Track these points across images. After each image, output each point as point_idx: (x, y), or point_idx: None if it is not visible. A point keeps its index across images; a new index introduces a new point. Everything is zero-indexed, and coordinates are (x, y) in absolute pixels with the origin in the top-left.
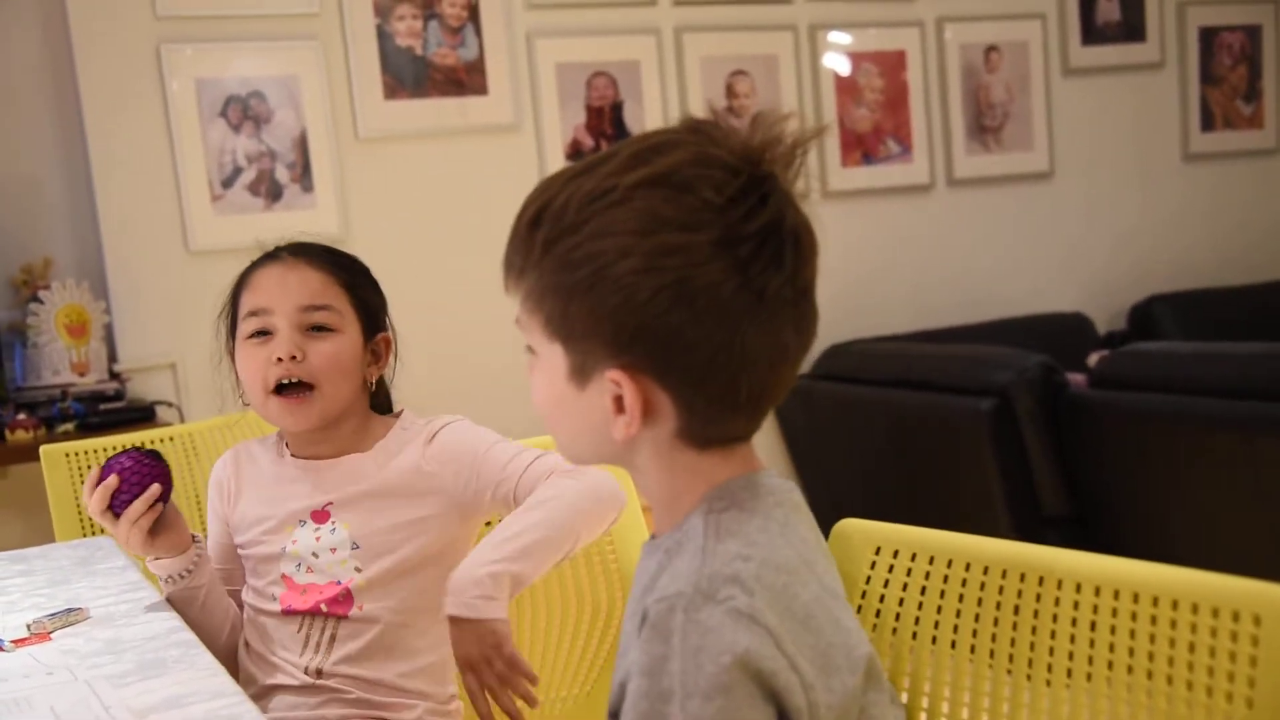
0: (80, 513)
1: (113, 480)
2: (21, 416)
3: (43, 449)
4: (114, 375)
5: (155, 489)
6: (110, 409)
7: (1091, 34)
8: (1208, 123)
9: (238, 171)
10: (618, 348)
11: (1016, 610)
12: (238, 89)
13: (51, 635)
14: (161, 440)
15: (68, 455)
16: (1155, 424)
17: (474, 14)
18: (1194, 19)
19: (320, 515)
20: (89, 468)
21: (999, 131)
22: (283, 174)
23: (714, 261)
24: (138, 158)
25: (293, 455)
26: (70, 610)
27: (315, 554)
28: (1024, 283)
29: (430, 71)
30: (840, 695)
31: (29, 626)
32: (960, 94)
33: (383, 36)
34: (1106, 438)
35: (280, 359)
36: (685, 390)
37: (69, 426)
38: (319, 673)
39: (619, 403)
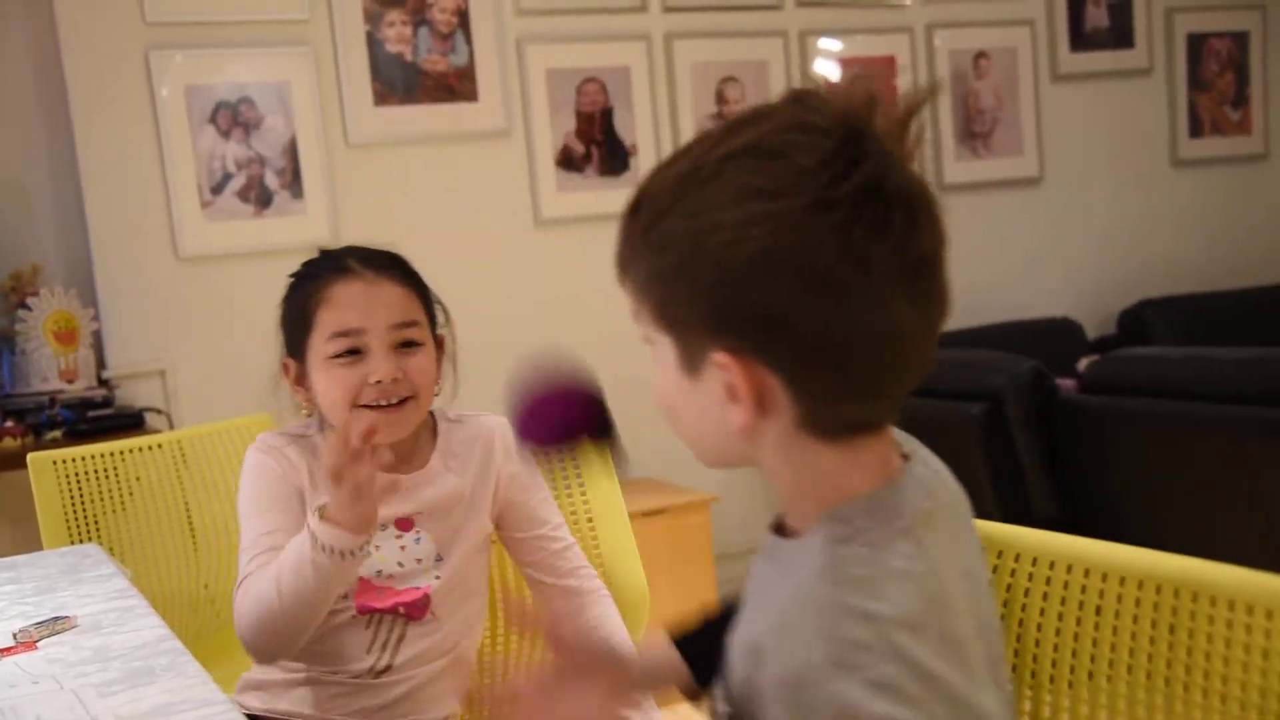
0: (67, 520)
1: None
2: (9, 424)
3: (30, 456)
4: (102, 382)
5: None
6: (99, 416)
7: (1080, 40)
8: (1196, 128)
9: (227, 178)
10: (719, 328)
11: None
12: (227, 95)
13: (38, 644)
14: (151, 448)
15: (55, 463)
16: (1146, 428)
17: (464, 20)
18: (1182, 25)
19: (404, 523)
20: (77, 475)
21: (988, 137)
22: (273, 180)
23: (807, 228)
24: (127, 164)
25: None
26: (57, 618)
27: (400, 563)
28: (1014, 288)
29: (420, 78)
30: None
31: (15, 635)
32: (950, 100)
33: (373, 43)
34: (1097, 442)
35: (379, 380)
36: (794, 371)
37: (57, 434)
38: (384, 670)
39: (731, 390)
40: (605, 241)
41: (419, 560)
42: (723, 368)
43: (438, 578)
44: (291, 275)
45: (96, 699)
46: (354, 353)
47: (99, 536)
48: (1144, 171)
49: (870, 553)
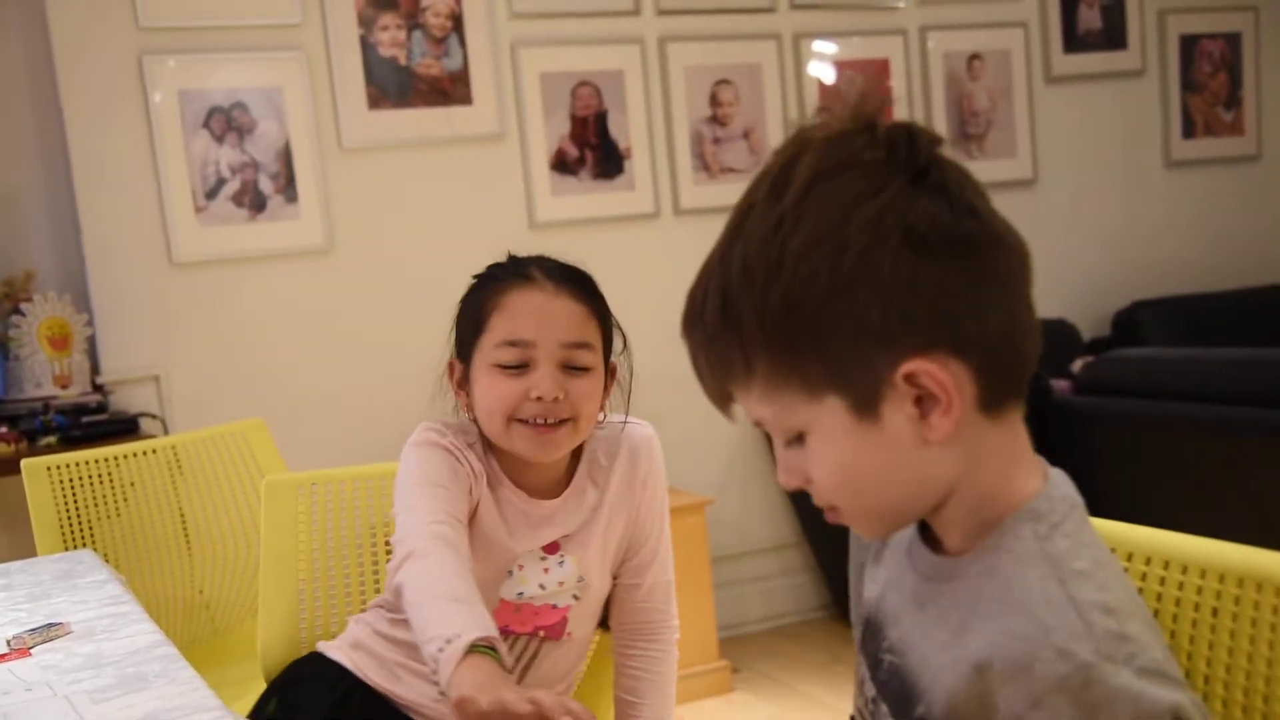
0: (61, 526)
1: None
2: (3, 430)
3: (24, 462)
4: (97, 388)
5: None
6: (93, 422)
7: (1073, 42)
8: (1189, 129)
9: (221, 183)
10: (892, 341)
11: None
12: (221, 100)
13: (31, 650)
14: (145, 453)
15: (49, 469)
16: (1139, 429)
17: (458, 24)
18: (1175, 27)
19: (551, 547)
20: (71, 481)
21: (982, 139)
22: (266, 185)
23: (919, 200)
24: (120, 169)
25: (511, 481)
26: (51, 625)
27: (542, 585)
28: None
29: (414, 82)
30: None
31: (9, 642)
32: (944, 102)
33: (366, 47)
34: (1091, 443)
35: (540, 398)
36: (968, 342)
37: (51, 440)
38: None
39: (924, 400)
40: (600, 244)
41: (561, 583)
42: (912, 377)
43: (576, 597)
44: (475, 276)
45: (90, 705)
46: (520, 366)
47: (93, 542)
48: (1137, 173)
49: (1074, 545)
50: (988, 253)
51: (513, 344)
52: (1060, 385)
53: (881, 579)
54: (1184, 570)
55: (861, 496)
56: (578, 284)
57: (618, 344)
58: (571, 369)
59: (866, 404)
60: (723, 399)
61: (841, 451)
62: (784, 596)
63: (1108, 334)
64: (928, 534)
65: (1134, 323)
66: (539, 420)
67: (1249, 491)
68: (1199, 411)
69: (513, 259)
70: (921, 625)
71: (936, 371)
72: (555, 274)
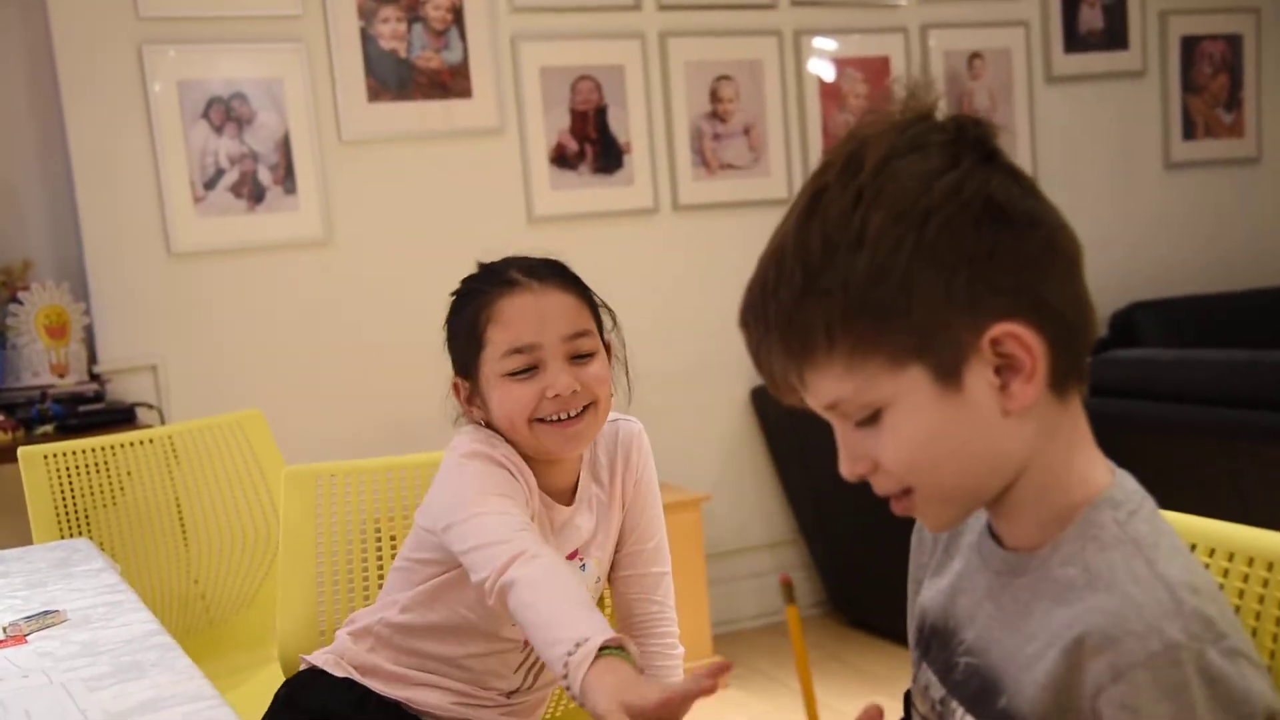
0: (58, 515)
1: None
2: (0, 418)
3: (21, 450)
4: (94, 377)
5: None
6: (90, 411)
7: (1074, 42)
8: (1189, 131)
9: (220, 173)
10: (976, 307)
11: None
12: (220, 90)
13: (27, 637)
14: (142, 442)
15: (46, 457)
16: (1135, 430)
17: (458, 17)
18: (1176, 28)
19: (570, 556)
20: (68, 469)
21: None
22: (265, 176)
23: (995, 175)
24: (119, 159)
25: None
26: (47, 613)
27: None
28: None
29: (414, 74)
30: None
31: (4, 629)
32: (944, 101)
33: (366, 39)
34: None
35: (557, 394)
36: (1045, 311)
37: (48, 428)
38: (516, 690)
39: (1008, 367)
40: (598, 239)
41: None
42: (998, 342)
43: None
44: (453, 294)
45: (85, 693)
46: (529, 369)
47: (89, 531)
48: (1137, 173)
49: (1152, 530)
50: (1056, 231)
51: (517, 351)
52: None
53: (946, 586)
54: (1250, 562)
55: (939, 473)
56: (560, 275)
57: (608, 322)
58: (578, 358)
59: (950, 372)
60: (789, 384)
61: (923, 422)
62: (779, 593)
63: (1105, 334)
64: (992, 533)
65: (1131, 324)
66: (561, 416)
67: (1241, 493)
68: (1194, 413)
69: (486, 268)
70: (1002, 621)
71: (1023, 333)
72: (537, 272)
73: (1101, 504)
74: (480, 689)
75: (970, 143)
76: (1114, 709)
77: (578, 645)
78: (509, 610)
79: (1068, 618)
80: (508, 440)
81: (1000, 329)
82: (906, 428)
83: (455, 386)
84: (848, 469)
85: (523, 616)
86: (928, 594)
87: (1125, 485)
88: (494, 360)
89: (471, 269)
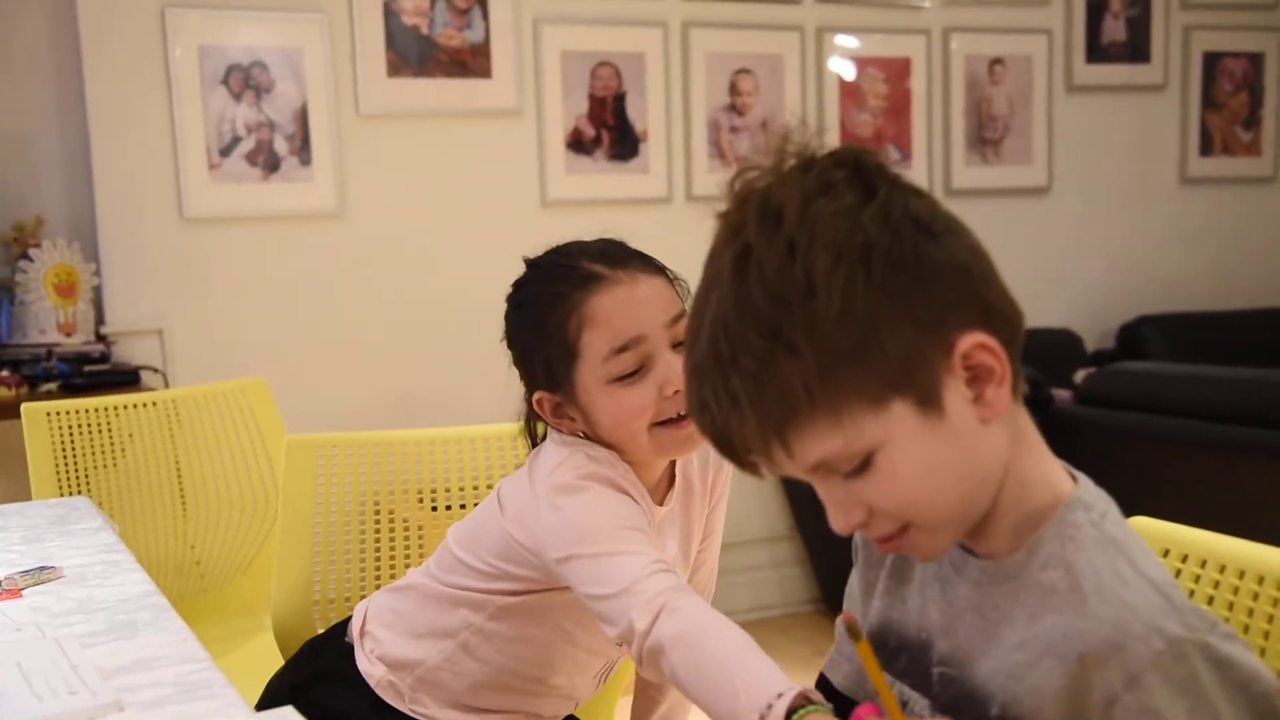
0: (58, 472)
1: None
2: (4, 373)
3: (24, 407)
4: (100, 338)
5: None
6: (95, 371)
7: (1096, 52)
8: (1206, 147)
9: (236, 141)
10: (939, 324)
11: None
12: (240, 58)
13: (23, 592)
14: (145, 405)
15: (49, 414)
16: (1138, 442)
17: None
18: (1198, 43)
19: None
20: (70, 428)
21: (999, 144)
22: (281, 146)
23: (907, 195)
24: (136, 121)
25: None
26: (43, 568)
27: None
28: (1016, 297)
29: (435, 52)
30: None
31: (0, 582)
32: (963, 104)
33: (389, 14)
34: (1090, 454)
35: (678, 390)
36: (991, 312)
37: (52, 386)
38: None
39: (972, 385)
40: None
41: None
42: (968, 355)
43: None
44: (515, 304)
45: (79, 649)
46: (638, 368)
47: (89, 491)
48: (1152, 187)
49: (1124, 530)
50: (969, 233)
51: (624, 349)
52: (1061, 395)
53: (914, 599)
54: (1259, 580)
55: (937, 501)
56: (639, 258)
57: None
58: (678, 344)
59: (931, 398)
60: (768, 457)
61: (917, 456)
62: (772, 589)
63: (1112, 346)
64: (962, 544)
65: (1138, 337)
66: (681, 414)
67: (1243, 509)
68: (1196, 428)
69: (551, 266)
70: (984, 630)
71: (987, 340)
72: (616, 258)
73: (1074, 505)
74: (542, 695)
75: (873, 171)
76: (1133, 715)
77: (780, 696)
78: (663, 673)
79: (1059, 626)
80: (610, 447)
81: (968, 342)
82: (902, 466)
83: (539, 403)
84: (842, 523)
85: (685, 683)
86: (889, 608)
87: (1090, 488)
88: (595, 366)
89: (483, 249)
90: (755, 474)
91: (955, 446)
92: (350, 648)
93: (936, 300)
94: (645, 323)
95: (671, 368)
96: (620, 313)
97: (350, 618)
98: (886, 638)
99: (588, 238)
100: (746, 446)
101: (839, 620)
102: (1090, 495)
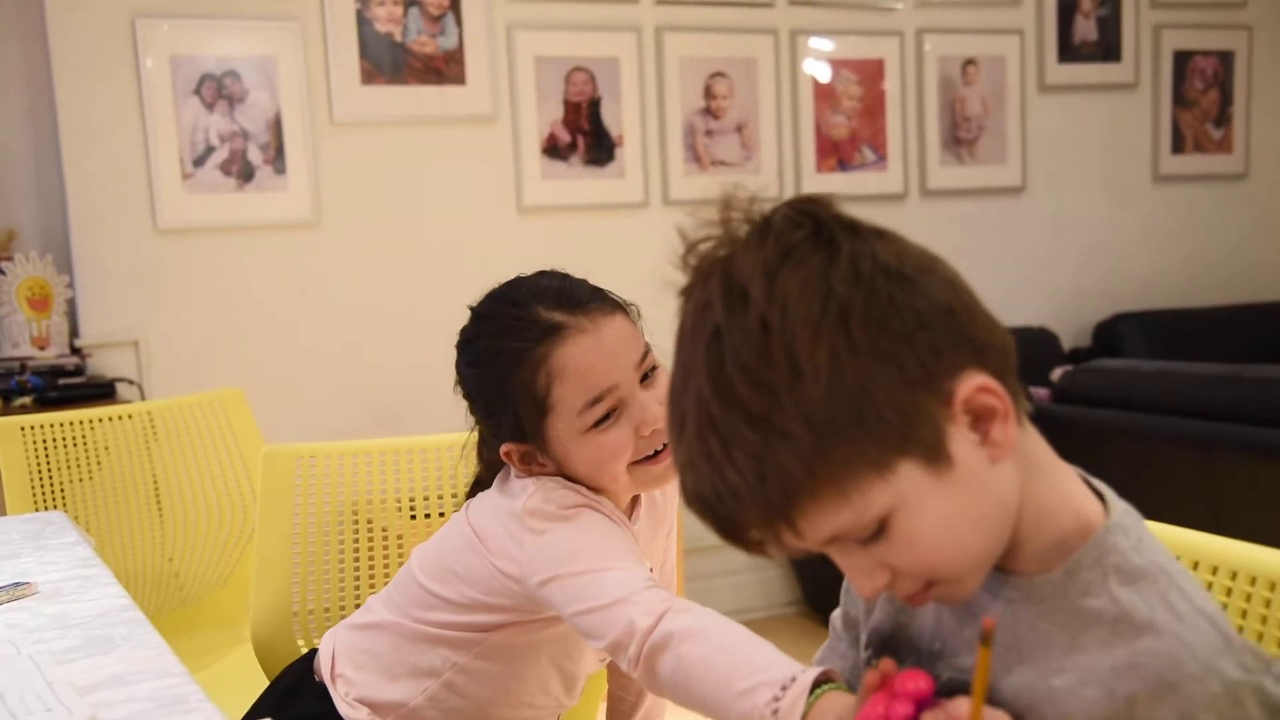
0: (33, 486)
1: None
2: None
3: None
4: (75, 350)
5: None
6: (70, 384)
7: (1068, 52)
8: (1178, 145)
9: (209, 150)
10: (932, 376)
11: None
12: (213, 67)
13: None
14: (121, 418)
15: (24, 429)
16: (1115, 439)
17: (455, 3)
18: (1169, 42)
19: None
20: (45, 442)
21: (973, 144)
22: (255, 155)
23: (871, 242)
24: (108, 132)
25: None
26: (17, 584)
27: None
28: (991, 295)
29: (409, 59)
30: None
31: None
32: (937, 105)
33: (362, 22)
34: (1067, 452)
35: (655, 429)
36: (981, 348)
37: (26, 400)
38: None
39: (979, 420)
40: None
41: None
42: (969, 401)
43: None
44: (469, 362)
45: (54, 666)
46: (611, 412)
47: (64, 505)
48: (1125, 185)
49: (1165, 554)
50: (941, 263)
51: (598, 400)
52: (1039, 393)
53: (928, 613)
54: (1230, 575)
55: (960, 553)
56: (597, 298)
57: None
58: (645, 378)
59: (937, 452)
60: (777, 539)
61: (934, 514)
62: (754, 591)
63: (1088, 344)
64: None
65: (1115, 334)
66: (658, 449)
67: (1216, 504)
68: (1173, 424)
69: (506, 317)
70: (1016, 649)
71: (984, 380)
72: (572, 301)
73: (1113, 529)
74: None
75: (831, 224)
76: None
77: (793, 679)
78: (662, 673)
79: (1107, 658)
80: (598, 487)
81: (966, 388)
82: (920, 527)
83: (507, 455)
84: (868, 588)
85: (693, 674)
86: (901, 612)
87: (1118, 506)
88: (569, 419)
89: (459, 256)
90: (764, 555)
91: (970, 493)
92: (324, 688)
93: (925, 351)
94: (615, 371)
95: (645, 408)
96: (590, 365)
97: (317, 650)
98: (899, 644)
99: (563, 244)
100: (752, 534)
101: (834, 615)
102: (1124, 515)
